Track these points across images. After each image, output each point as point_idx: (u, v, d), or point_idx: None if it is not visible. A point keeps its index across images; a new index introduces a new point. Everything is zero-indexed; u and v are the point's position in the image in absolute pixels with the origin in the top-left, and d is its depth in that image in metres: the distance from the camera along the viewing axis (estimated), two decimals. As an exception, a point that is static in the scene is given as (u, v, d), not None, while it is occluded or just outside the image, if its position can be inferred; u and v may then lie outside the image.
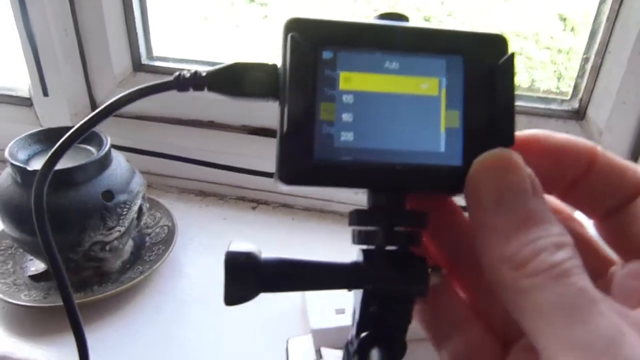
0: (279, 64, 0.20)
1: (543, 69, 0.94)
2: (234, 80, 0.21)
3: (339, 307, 0.54)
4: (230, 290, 0.20)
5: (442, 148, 0.20)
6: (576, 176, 0.21)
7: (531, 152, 0.20)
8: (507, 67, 0.20)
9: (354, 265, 0.21)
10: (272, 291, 0.21)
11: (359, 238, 0.21)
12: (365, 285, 0.21)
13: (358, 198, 0.70)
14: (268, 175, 0.74)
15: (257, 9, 0.99)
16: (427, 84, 0.20)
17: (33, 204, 0.31)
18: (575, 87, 0.70)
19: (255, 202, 0.77)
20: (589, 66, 0.67)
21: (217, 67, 0.21)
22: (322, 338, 0.48)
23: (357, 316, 0.22)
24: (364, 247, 0.21)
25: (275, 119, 0.69)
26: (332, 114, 0.20)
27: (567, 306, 0.17)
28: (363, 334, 0.21)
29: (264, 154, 0.74)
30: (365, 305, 0.21)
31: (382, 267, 0.21)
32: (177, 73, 0.21)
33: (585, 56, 0.67)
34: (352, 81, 0.20)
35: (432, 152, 0.20)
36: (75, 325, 0.36)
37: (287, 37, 0.20)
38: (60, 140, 0.23)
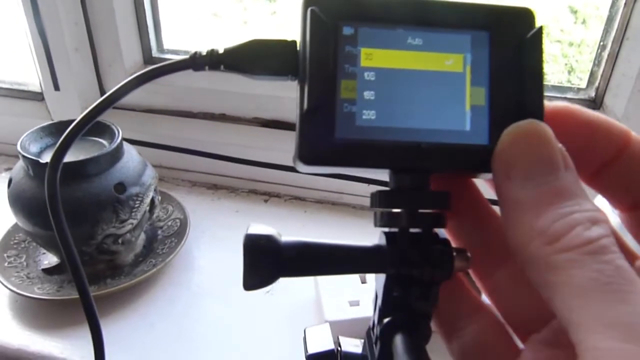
0: (298, 41, 0.20)
1: (554, 62, 0.92)
2: (251, 58, 0.20)
3: (352, 299, 0.54)
4: (249, 275, 0.19)
5: (468, 126, 0.20)
6: (606, 159, 0.20)
7: (562, 125, 0.19)
8: (536, 41, 0.20)
9: (376, 249, 0.20)
10: (292, 275, 0.20)
11: (381, 220, 0.20)
12: (388, 269, 0.20)
13: (371, 190, 0.69)
14: (280, 167, 0.74)
15: (266, 5, 0.98)
16: (451, 61, 0.20)
17: (47, 195, 0.30)
18: (592, 75, 0.69)
19: (268, 195, 0.77)
20: (605, 54, 0.66)
21: (234, 45, 0.20)
22: (337, 330, 0.47)
23: (379, 301, 0.21)
24: (387, 229, 0.21)
25: (286, 112, 0.68)
26: (354, 91, 0.19)
27: (605, 284, 0.16)
28: (386, 320, 0.21)
29: (276, 147, 0.73)
30: (389, 289, 0.20)
31: (406, 250, 0.20)
32: (193, 51, 0.21)
33: (602, 43, 0.66)
34: (374, 58, 0.19)
35: (457, 130, 0.20)
36: (90, 317, 0.35)
37: (306, 11, 0.19)
38: (79, 118, 0.22)
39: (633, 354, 0.15)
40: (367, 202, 0.77)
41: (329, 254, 0.20)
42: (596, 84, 0.68)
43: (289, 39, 0.20)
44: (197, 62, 0.21)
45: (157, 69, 0.21)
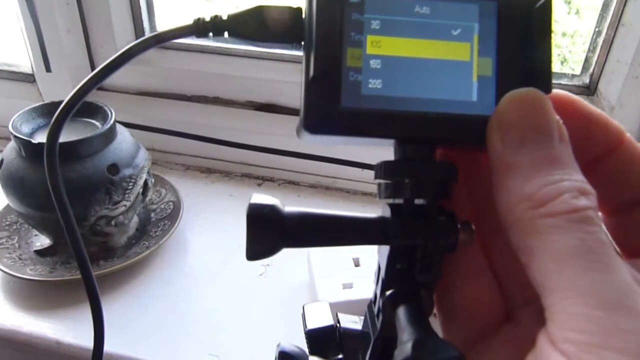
0: (304, 8, 0.20)
1: (547, 52, 0.92)
2: (257, 24, 0.20)
3: (346, 282, 0.54)
4: (252, 245, 0.19)
5: (475, 97, 0.20)
6: (599, 154, 0.20)
7: (561, 112, 0.19)
8: (545, 11, 0.19)
9: (381, 219, 0.20)
10: (295, 246, 0.20)
11: (386, 191, 0.20)
12: (392, 240, 0.20)
13: (364, 175, 0.69)
14: (274, 151, 0.73)
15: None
16: (458, 30, 0.20)
17: (47, 175, 0.30)
18: (586, 62, 0.69)
19: (261, 179, 0.76)
20: (600, 40, 0.66)
21: (239, 10, 0.20)
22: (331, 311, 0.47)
23: (382, 274, 0.21)
24: (391, 201, 0.21)
25: (281, 95, 0.67)
26: (360, 60, 0.19)
27: (585, 253, 0.16)
28: (389, 292, 0.21)
29: (270, 130, 0.73)
30: (392, 261, 0.20)
31: (410, 221, 0.20)
32: (196, 17, 0.20)
33: (597, 29, 0.66)
34: (381, 26, 0.19)
35: (463, 101, 0.19)
36: (92, 293, 0.35)
37: None
38: (83, 82, 0.22)
39: (599, 320, 0.15)
40: (361, 187, 0.77)
41: (332, 224, 0.20)
42: (590, 70, 0.68)
43: (295, 5, 0.20)
44: (200, 29, 0.20)
45: (160, 35, 0.21)
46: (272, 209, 0.19)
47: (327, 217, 0.20)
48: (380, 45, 0.19)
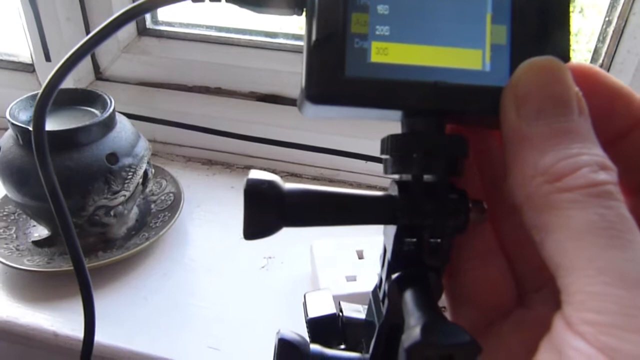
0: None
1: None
2: (256, -12, 0.18)
3: (349, 275, 0.53)
4: (250, 222, 0.18)
5: (488, 67, 0.18)
6: (622, 130, 0.19)
7: (584, 85, 0.18)
8: None
9: (387, 197, 0.19)
10: (296, 225, 0.19)
11: (393, 166, 0.19)
12: (400, 218, 0.19)
13: (368, 167, 0.67)
14: (276, 143, 0.72)
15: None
16: None
17: (35, 153, 0.29)
18: (596, 52, 0.67)
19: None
20: (610, 30, 0.64)
21: (237, -26, 0.19)
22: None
23: (388, 256, 0.20)
24: (398, 177, 0.19)
25: (283, 86, 0.66)
26: (365, 26, 0.18)
27: (604, 228, 0.15)
28: (395, 275, 0.19)
29: (273, 122, 0.72)
30: (399, 242, 0.19)
31: (419, 198, 0.19)
32: (192, -18, 0.19)
33: (607, 19, 0.65)
34: None
35: (476, 71, 0.18)
36: (84, 285, 0.34)
37: None
38: (75, 48, 0.21)
39: (621, 299, 0.14)
40: (364, 179, 0.76)
41: (335, 202, 0.19)
42: (600, 61, 0.67)
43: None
44: (196, -7, 0.19)
45: (153, 0, 0.20)
46: (271, 184, 0.18)
47: (331, 194, 0.19)
48: (387, 10, 0.18)
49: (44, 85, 0.23)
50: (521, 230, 0.18)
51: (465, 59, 0.18)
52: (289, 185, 0.19)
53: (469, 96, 0.18)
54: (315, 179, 0.74)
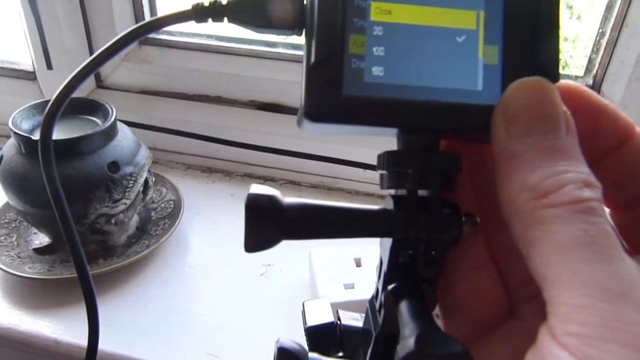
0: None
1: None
2: (257, 9, 0.19)
3: (347, 282, 0.54)
4: (250, 236, 0.19)
5: (480, 86, 0.19)
6: (607, 148, 0.20)
7: (570, 103, 0.18)
8: None
9: (383, 211, 0.20)
10: (295, 238, 0.19)
11: (389, 182, 0.20)
12: (395, 232, 0.19)
13: (367, 175, 0.68)
14: (276, 151, 0.73)
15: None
16: (464, 17, 0.19)
17: (42, 167, 0.30)
18: (590, 63, 0.68)
19: (263, 179, 0.76)
20: (604, 41, 0.65)
21: (238, -4, 0.20)
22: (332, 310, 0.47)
23: (384, 267, 0.21)
24: (394, 192, 0.20)
25: (283, 95, 0.67)
26: (362, 47, 0.19)
27: (588, 243, 0.15)
28: (390, 286, 0.20)
29: (272, 130, 0.73)
30: (394, 254, 0.20)
31: (414, 213, 0.19)
32: (195, 3, 0.20)
33: (600, 30, 0.66)
34: (384, 12, 0.19)
35: (468, 90, 0.19)
36: (87, 292, 0.35)
37: None
38: (80, 67, 0.21)
39: (603, 312, 0.14)
40: (362, 187, 0.76)
41: (333, 216, 0.20)
42: (594, 71, 0.68)
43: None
44: (199, 14, 0.20)
45: (159, 20, 0.20)
46: (271, 199, 0.19)
47: (329, 209, 0.20)
48: (383, 33, 0.19)
49: (48, 106, 0.24)
50: (511, 243, 0.19)
51: (459, 78, 0.19)
52: (288, 200, 0.19)
53: (462, 114, 0.19)
54: (314, 187, 0.75)
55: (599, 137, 0.20)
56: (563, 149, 0.17)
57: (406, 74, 0.19)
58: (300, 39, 0.20)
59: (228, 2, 0.20)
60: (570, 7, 0.88)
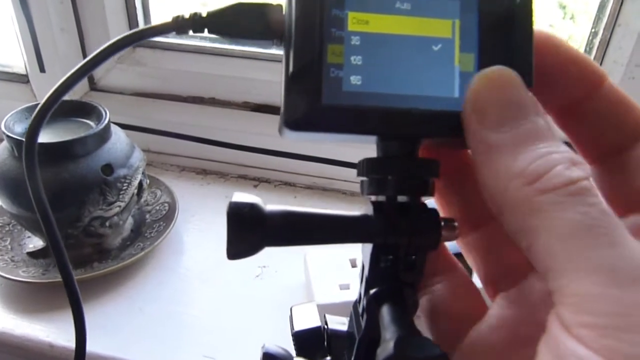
0: (284, 4, 0.19)
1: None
2: (236, 20, 0.19)
3: (343, 283, 0.54)
4: (232, 244, 0.19)
5: (457, 93, 0.19)
6: (578, 96, 0.20)
7: (541, 50, 0.18)
8: (526, 6, 0.19)
9: (363, 217, 0.20)
10: (277, 245, 0.20)
11: (369, 188, 0.20)
12: (375, 237, 0.20)
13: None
14: (270, 152, 0.73)
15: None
16: (440, 26, 0.19)
17: (25, 172, 0.30)
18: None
19: (257, 180, 0.76)
20: (597, 41, 0.66)
21: (218, 8, 0.20)
22: (328, 313, 0.47)
23: (366, 272, 0.21)
24: (374, 198, 0.20)
25: (277, 96, 0.67)
26: (340, 56, 0.19)
27: (590, 227, 0.15)
28: (372, 291, 0.20)
29: (266, 132, 0.73)
30: (375, 260, 0.20)
31: (393, 218, 0.20)
32: (175, 15, 0.20)
33: (593, 30, 0.66)
34: (362, 22, 0.19)
35: (445, 97, 0.19)
36: (73, 298, 0.35)
37: None
38: (61, 80, 0.22)
39: (616, 299, 0.14)
40: (357, 188, 0.76)
41: (314, 223, 0.20)
42: (587, 70, 0.68)
43: (274, 2, 0.20)
44: (180, 25, 0.20)
45: (139, 32, 0.21)
46: (252, 207, 0.19)
47: (310, 216, 0.20)
48: (361, 42, 0.19)
49: (36, 111, 0.24)
50: (487, 239, 0.19)
51: (436, 86, 0.19)
52: (270, 207, 0.20)
53: (439, 121, 0.19)
54: (309, 188, 0.75)
55: (572, 81, 0.20)
56: (539, 131, 0.17)
57: (384, 83, 0.19)
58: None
59: (208, 14, 0.20)
60: (564, 7, 0.88)
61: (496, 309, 0.21)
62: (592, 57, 0.67)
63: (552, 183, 0.16)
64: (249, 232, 0.19)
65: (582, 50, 0.68)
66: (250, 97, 0.75)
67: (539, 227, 0.16)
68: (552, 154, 0.16)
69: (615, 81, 0.63)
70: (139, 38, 0.21)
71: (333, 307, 0.52)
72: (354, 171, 0.69)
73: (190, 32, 0.20)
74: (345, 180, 0.74)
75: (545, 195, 0.16)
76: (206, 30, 0.20)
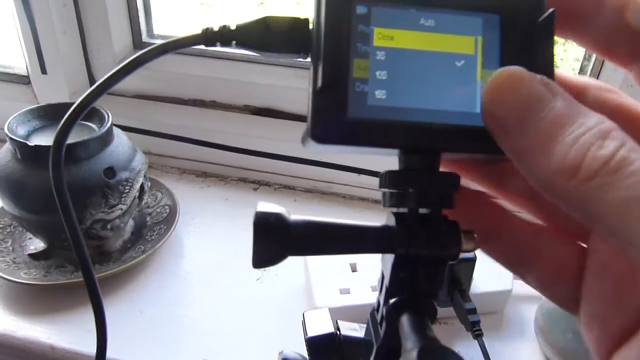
0: (311, 19, 0.20)
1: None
2: (264, 35, 0.20)
3: (343, 287, 0.54)
4: (258, 253, 0.19)
5: (478, 109, 0.20)
6: (586, 11, 0.19)
7: None
8: (547, 25, 0.20)
9: (385, 228, 0.20)
10: (300, 254, 0.20)
11: (390, 200, 0.21)
12: (397, 249, 0.20)
13: (361, 180, 0.69)
14: (270, 156, 0.73)
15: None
16: (463, 43, 0.20)
17: (52, 179, 0.30)
18: (581, 70, 0.69)
19: (257, 184, 0.76)
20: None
21: (247, 21, 0.20)
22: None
23: (386, 282, 0.21)
24: (395, 210, 0.21)
25: (278, 100, 0.67)
26: (366, 71, 0.19)
27: None
28: (392, 300, 0.21)
29: (267, 135, 0.73)
30: (396, 270, 0.21)
31: (414, 230, 0.20)
32: (204, 27, 0.20)
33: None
34: (387, 37, 0.19)
35: (467, 112, 0.20)
36: (94, 296, 0.35)
37: None
38: (91, 88, 0.22)
39: None
40: (356, 192, 0.77)
41: (337, 233, 0.20)
42: (585, 78, 0.68)
43: (302, 17, 0.20)
44: (208, 38, 0.20)
45: (170, 44, 0.21)
46: (277, 217, 0.20)
47: (332, 226, 0.20)
48: (386, 57, 0.19)
49: (65, 116, 0.24)
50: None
51: (458, 101, 0.20)
52: (294, 217, 0.20)
53: (461, 136, 0.20)
54: (308, 191, 0.75)
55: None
56: (562, 115, 0.17)
57: (407, 97, 0.19)
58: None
59: (237, 27, 0.20)
60: (555, 55, 0.90)
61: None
62: (590, 64, 0.67)
63: (591, 169, 0.15)
64: (274, 242, 0.19)
65: (579, 56, 0.69)
66: (251, 100, 0.76)
67: (598, 213, 0.16)
68: (580, 138, 0.16)
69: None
70: (171, 49, 0.21)
71: (334, 311, 0.52)
72: (353, 175, 0.69)
73: (218, 45, 0.20)
74: (344, 184, 0.74)
75: (590, 182, 0.15)
76: (234, 43, 0.20)
